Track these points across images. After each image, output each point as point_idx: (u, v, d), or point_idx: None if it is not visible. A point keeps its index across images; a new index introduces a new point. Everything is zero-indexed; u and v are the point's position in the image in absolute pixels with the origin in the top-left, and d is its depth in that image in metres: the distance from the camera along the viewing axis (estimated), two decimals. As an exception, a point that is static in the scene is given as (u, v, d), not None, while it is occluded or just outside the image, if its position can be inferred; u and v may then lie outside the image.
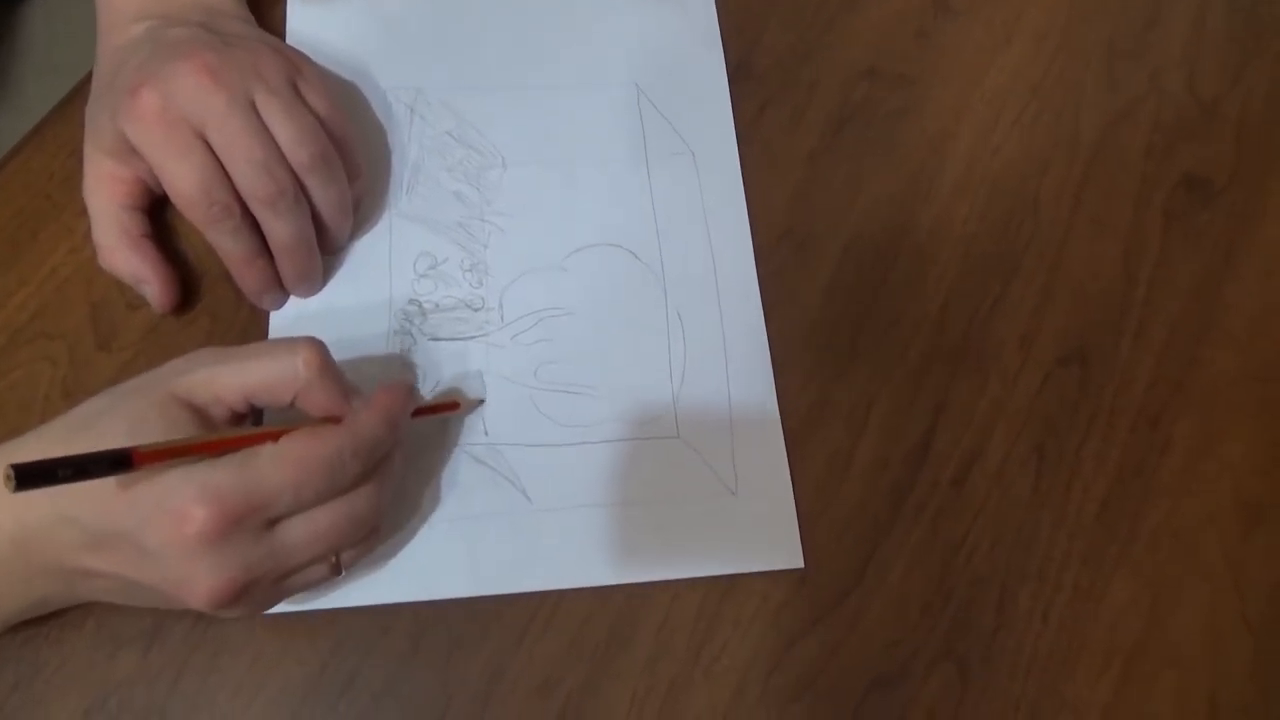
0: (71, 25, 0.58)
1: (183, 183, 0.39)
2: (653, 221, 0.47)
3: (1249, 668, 0.42)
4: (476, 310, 0.45)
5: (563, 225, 0.47)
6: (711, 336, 0.45)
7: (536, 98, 0.50)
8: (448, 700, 0.38)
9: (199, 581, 0.32)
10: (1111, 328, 0.48)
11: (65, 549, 0.33)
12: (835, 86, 0.52)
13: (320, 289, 0.44)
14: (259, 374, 0.35)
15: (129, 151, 0.40)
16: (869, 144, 0.51)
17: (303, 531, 0.34)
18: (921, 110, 0.52)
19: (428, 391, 0.43)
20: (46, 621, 0.38)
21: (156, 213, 0.44)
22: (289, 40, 0.49)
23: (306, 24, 0.49)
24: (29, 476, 0.28)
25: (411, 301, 0.45)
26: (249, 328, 0.44)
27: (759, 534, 0.42)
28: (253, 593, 0.33)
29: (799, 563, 0.42)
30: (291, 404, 0.36)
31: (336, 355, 0.37)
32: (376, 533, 0.37)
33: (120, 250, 0.42)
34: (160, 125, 0.39)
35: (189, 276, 0.44)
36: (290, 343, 0.36)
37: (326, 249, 0.44)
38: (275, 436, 0.34)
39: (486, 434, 0.43)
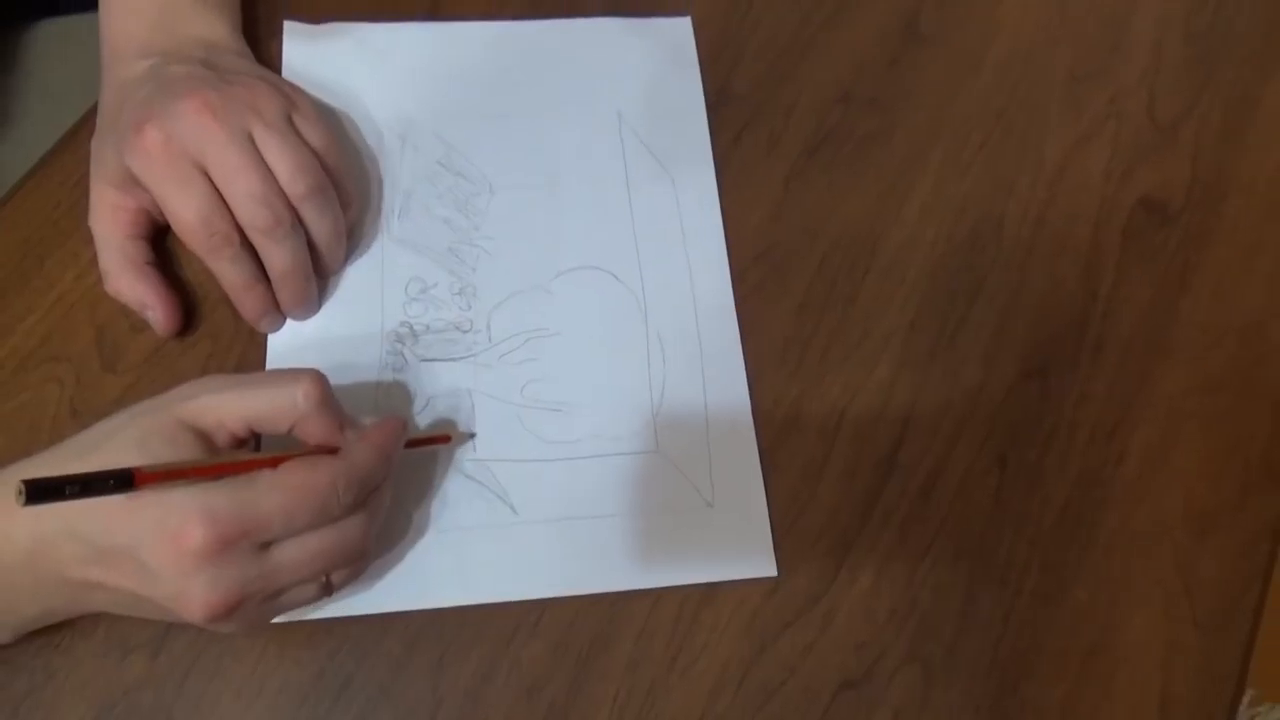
0: (72, 57, 0.60)
1: (185, 213, 0.41)
2: (634, 244, 0.50)
3: (1198, 667, 0.44)
4: (465, 332, 0.47)
5: (548, 249, 0.49)
6: (690, 355, 0.48)
7: (522, 127, 0.52)
8: (438, 702, 0.40)
9: (194, 597, 0.34)
10: (1071, 343, 0.50)
11: (71, 562, 0.35)
12: (809, 112, 0.54)
13: (316, 313, 0.46)
14: (260, 403, 0.37)
15: (133, 183, 0.42)
16: (842, 167, 0.53)
17: (295, 554, 0.36)
18: (892, 134, 0.54)
19: (419, 407, 0.45)
20: (57, 630, 0.40)
21: (159, 241, 0.46)
22: (285, 74, 0.51)
23: (302, 58, 0.51)
24: (39, 491, 0.30)
25: (403, 324, 0.47)
26: (247, 350, 0.46)
27: (734, 544, 0.44)
28: (245, 609, 0.35)
29: (772, 571, 0.44)
30: (289, 432, 0.38)
31: (331, 377, 0.39)
32: (366, 556, 0.39)
33: (125, 277, 0.44)
34: (163, 159, 0.41)
35: (190, 301, 0.46)
36: (293, 374, 0.37)
37: (322, 274, 0.46)
38: (274, 463, 0.36)
39: (475, 450, 0.45)
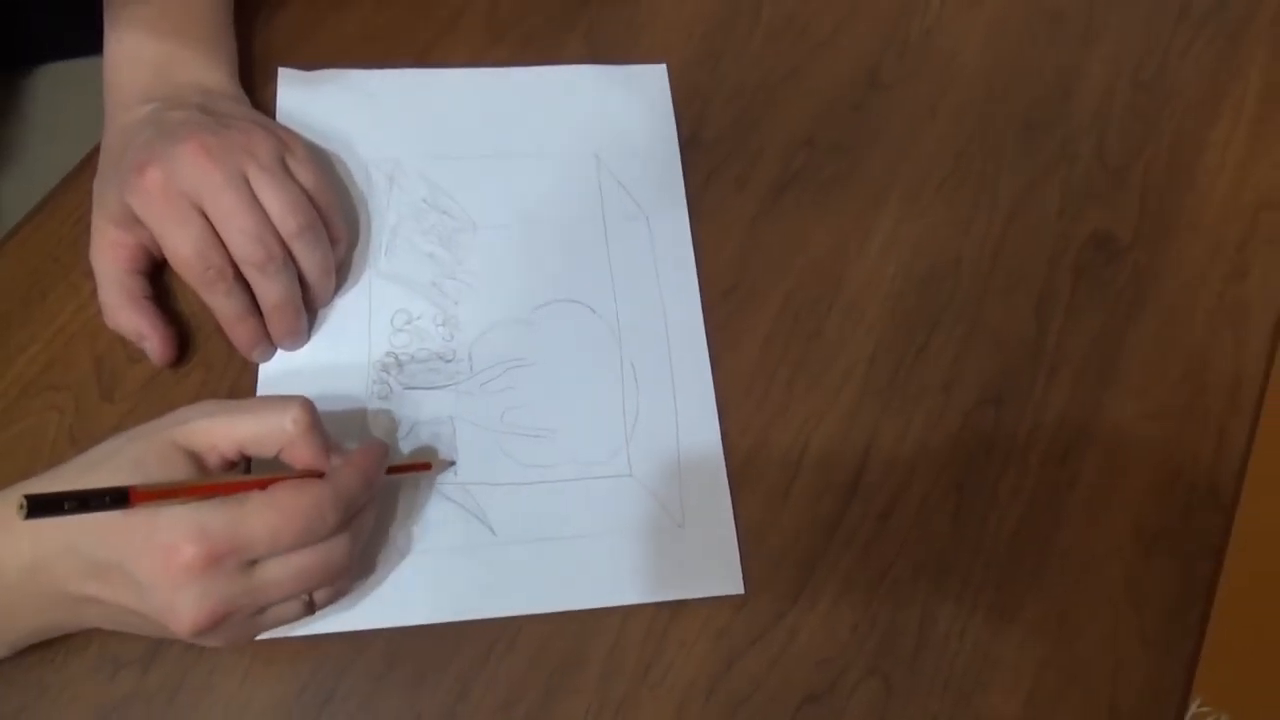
0: (75, 99, 0.62)
1: (182, 249, 0.44)
2: (609, 279, 0.52)
3: (1146, 680, 0.46)
4: (448, 361, 0.49)
5: (527, 283, 0.52)
6: (662, 383, 0.50)
7: (504, 167, 0.55)
8: (417, 716, 0.42)
9: (182, 610, 0.35)
10: (1025, 373, 0.53)
11: (70, 577, 0.36)
12: (776, 156, 0.57)
13: (306, 343, 0.48)
14: (251, 427, 0.39)
15: (133, 221, 0.45)
16: (807, 207, 0.56)
17: (279, 572, 0.37)
18: (854, 177, 0.57)
19: (403, 433, 0.47)
20: (51, 647, 0.41)
21: (157, 276, 0.48)
22: (279, 117, 0.53)
23: (296, 103, 0.54)
24: (39, 506, 0.32)
25: (389, 354, 0.49)
26: (240, 379, 0.48)
27: (703, 563, 0.46)
28: (230, 623, 0.37)
29: (739, 589, 0.46)
30: (278, 456, 0.40)
31: (320, 404, 0.41)
32: (348, 576, 0.41)
33: (124, 309, 0.46)
34: (162, 199, 0.43)
35: (185, 333, 0.48)
36: (283, 401, 0.39)
37: (311, 307, 0.48)
38: (264, 485, 0.37)
39: (456, 474, 0.47)
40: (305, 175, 0.47)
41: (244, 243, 0.44)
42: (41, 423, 0.46)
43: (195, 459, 0.38)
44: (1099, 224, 0.58)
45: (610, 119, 0.57)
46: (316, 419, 0.40)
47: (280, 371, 0.48)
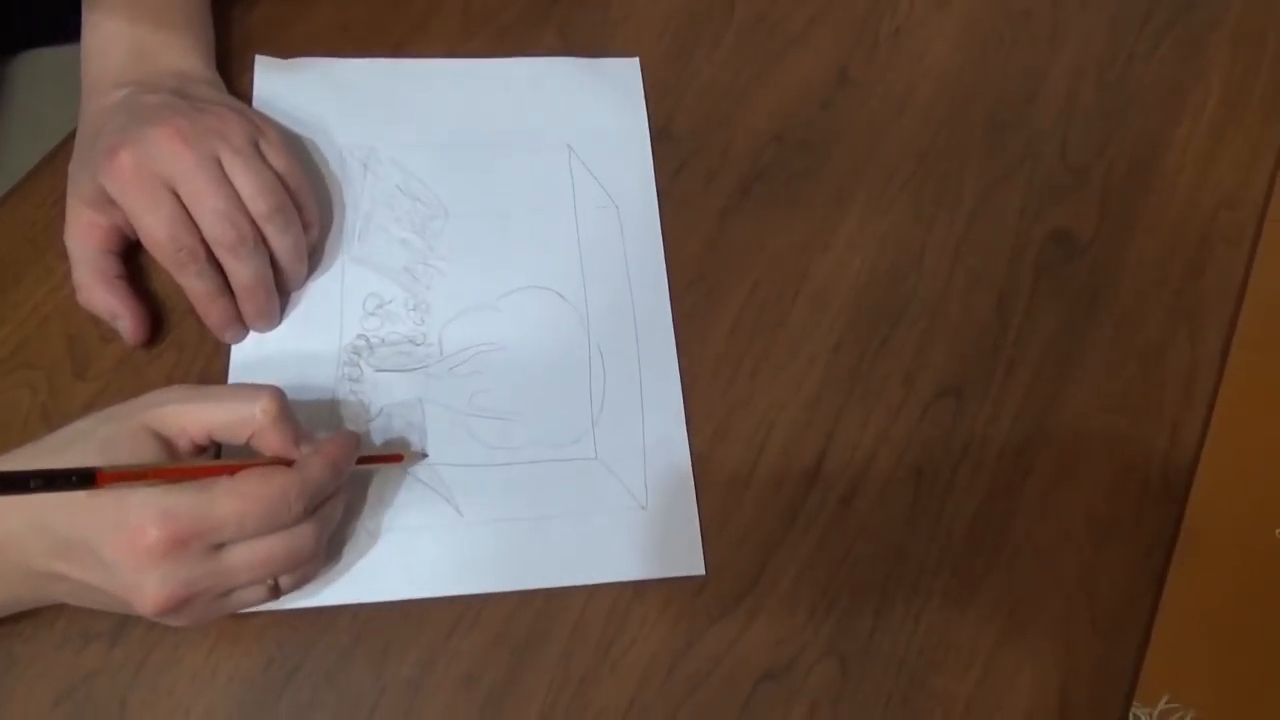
0: (53, 86, 0.63)
1: (155, 230, 0.44)
2: (579, 267, 0.53)
3: (1096, 666, 0.48)
4: (419, 345, 0.50)
5: (498, 269, 0.52)
6: (629, 369, 0.51)
7: (477, 156, 0.55)
8: (382, 690, 0.43)
9: (147, 591, 0.36)
10: (985, 366, 0.54)
11: (37, 554, 0.37)
12: (745, 150, 0.58)
13: (278, 325, 0.49)
14: (221, 414, 0.39)
15: (107, 203, 0.45)
16: (774, 202, 0.57)
17: (244, 557, 0.38)
18: (822, 173, 0.58)
19: (374, 415, 0.48)
20: (20, 620, 0.42)
21: (130, 257, 0.49)
22: (256, 104, 0.54)
23: (272, 90, 0.55)
24: (5, 483, 0.33)
25: (360, 337, 0.50)
26: (212, 359, 0.49)
27: (666, 544, 0.47)
28: (194, 605, 0.38)
29: (700, 570, 0.47)
30: (247, 443, 0.40)
31: (291, 386, 0.42)
32: (314, 562, 0.41)
33: (97, 289, 0.46)
34: (135, 180, 0.44)
35: (158, 313, 0.49)
36: (254, 390, 0.40)
37: (284, 289, 0.49)
38: (232, 471, 0.38)
39: (426, 456, 0.48)
40: (278, 159, 0.48)
41: (216, 224, 0.44)
42: (14, 400, 0.46)
43: (165, 443, 0.39)
44: (1060, 222, 0.59)
45: (583, 110, 0.58)
46: (286, 408, 0.41)
47: (252, 353, 0.49)
